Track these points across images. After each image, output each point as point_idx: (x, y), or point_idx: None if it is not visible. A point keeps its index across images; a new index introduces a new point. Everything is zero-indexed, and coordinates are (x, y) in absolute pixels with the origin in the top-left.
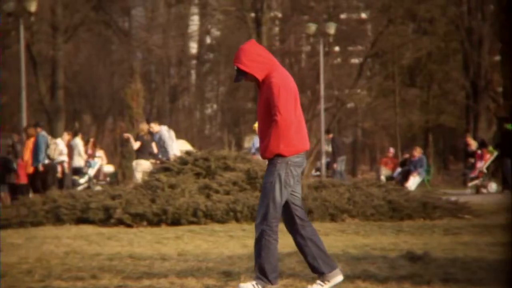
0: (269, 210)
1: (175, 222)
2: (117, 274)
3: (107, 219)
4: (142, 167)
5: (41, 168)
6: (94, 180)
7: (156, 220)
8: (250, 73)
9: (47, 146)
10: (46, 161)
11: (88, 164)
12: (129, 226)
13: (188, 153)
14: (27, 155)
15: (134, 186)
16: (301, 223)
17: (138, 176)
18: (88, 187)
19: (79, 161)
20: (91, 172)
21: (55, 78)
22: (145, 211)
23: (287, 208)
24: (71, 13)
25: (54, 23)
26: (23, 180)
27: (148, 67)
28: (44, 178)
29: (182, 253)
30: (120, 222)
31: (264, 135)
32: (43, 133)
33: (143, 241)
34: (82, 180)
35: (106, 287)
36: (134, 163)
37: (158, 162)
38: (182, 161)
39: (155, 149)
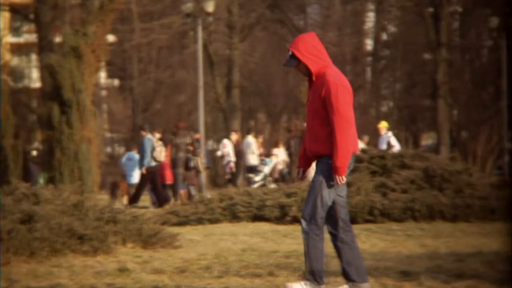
0: (316, 210)
1: (351, 220)
2: (294, 272)
3: (282, 216)
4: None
5: (143, 171)
6: (270, 178)
7: None
8: (305, 63)
9: (153, 149)
10: (153, 164)
11: (263, 162)
12: None
13: (363, 151)
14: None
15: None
16: (344, 226)
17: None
18: (264, 185)
19: (253, 160)
20: (267, 170)
21: (231, 77)
22: None
23: (332, 209)
24: (247, 13)
25: (231, 23)
26: (169, 180)
27: None
28: (151, 180)
29: None
30: (295, 220)
31: (314, 133)
32: (149, 136)
33: None
34: (258, 178)
35: (283, 285)
36: None
37: None
38: (358, 159)
39: None
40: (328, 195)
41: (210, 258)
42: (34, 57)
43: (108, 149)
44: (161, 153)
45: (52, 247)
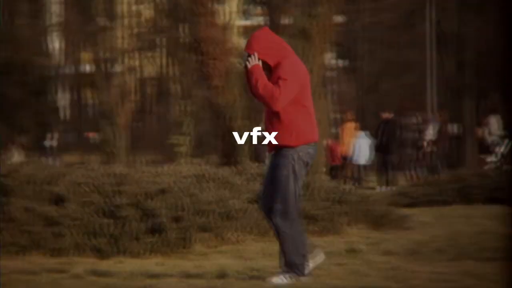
0: (288, 205)
1: None
2: None
3: None
4: None
5: None
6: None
7: None
8: (263, 60)
9: None
10: None
11: (497, 143)
12: None
13: None
14: (345, 137)
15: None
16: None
17: None
18: (498, 166)
19: (489, 139)
20: (502, 150)
21: (462, 56)
22: None
23: None
24: None
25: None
26: (337, 161)
27: None
28: None
29: None
30: None
31: (272, 122)
32: None
33: None
34: (492, 159)
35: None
36: None
37: None
38: None
39: None
40: (294, 188)
41: (442, 240)
42: None
43: (334, 130)
44: None
45: None
